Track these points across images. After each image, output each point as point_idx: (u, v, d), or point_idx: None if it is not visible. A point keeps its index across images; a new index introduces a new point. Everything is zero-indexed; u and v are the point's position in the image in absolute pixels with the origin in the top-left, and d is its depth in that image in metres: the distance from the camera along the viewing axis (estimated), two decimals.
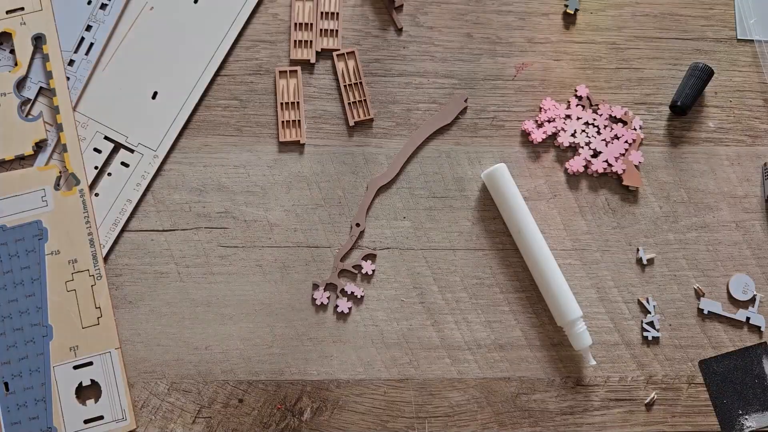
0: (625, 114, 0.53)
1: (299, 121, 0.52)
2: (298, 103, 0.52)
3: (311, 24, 0.54)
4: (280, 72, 0.53)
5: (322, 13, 0.54)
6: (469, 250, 0.51)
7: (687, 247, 0.52)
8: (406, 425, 0.49)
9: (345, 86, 0.53)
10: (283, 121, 0.52)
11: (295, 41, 0.53)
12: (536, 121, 0.53)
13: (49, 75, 0.51)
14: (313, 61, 0.53)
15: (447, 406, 0.49)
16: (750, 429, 0.49)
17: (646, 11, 0.56)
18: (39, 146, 0.51)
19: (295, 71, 0.53)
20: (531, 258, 0.50)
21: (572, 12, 0.55)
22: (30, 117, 0.51)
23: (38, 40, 0.52)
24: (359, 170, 0.52)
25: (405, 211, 0.52)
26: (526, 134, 0.53)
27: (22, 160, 0.51)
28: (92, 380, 0.48)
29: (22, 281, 0.48)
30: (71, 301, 0.49)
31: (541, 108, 0.53)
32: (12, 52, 0.52)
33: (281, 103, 0.52)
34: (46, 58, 0.51)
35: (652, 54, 0.55)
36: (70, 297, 0.49)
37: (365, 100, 0.53)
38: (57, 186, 0.50)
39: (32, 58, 0.51)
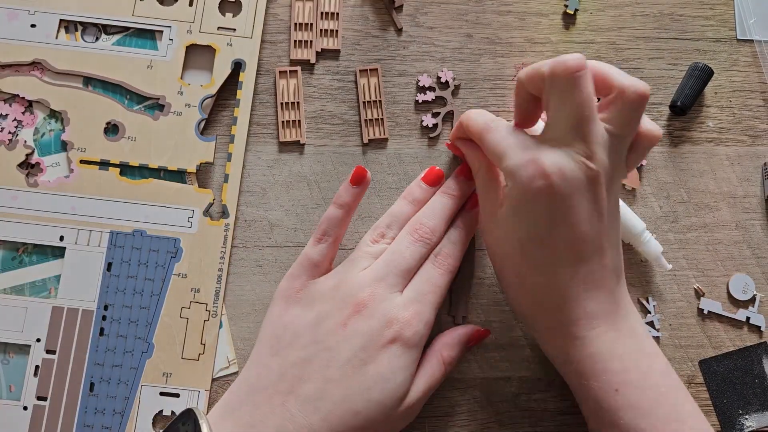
0: None
1: (299, 121, 0.52)
2: (298, 103, 0.52)
3: (311, 24, 0.54)
4: (280, 72, 0.53)
5: (322, 13, 0.54)
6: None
7: (687, 246, 0.52)
8: (406, 425, 0.49)
9: (363, 102, 0.52)
10: (283, 121, 0.52)
11: (295, 41, 0.53)
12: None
13: (236, 103, 0.51)
14: (313, 61, 0.53)
15: (447, 405, 0.49)
16: (750, 429, 0.50)
17: (646, 11, 0.56)
18: (203, 168, 0.50)
19: (296, 71, 0.53)
20: None
21: (572, 12, 0.55)
22: (206, 136, 0.51)
23: (237, 66, 0.52)
24: None
25: None
26: None
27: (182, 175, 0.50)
28: (173, 412, 0.47)
29: (142, 291, 0.48)
30: (180, 328, 0.48)
31: None
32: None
33: (281, 103, 0.52)
34: (239, 86, 0.51)
35: (651, 54, 0.55)
36: (181, 324, 0.48)
37: (383, 119, 0.52)
38: (206, 212, 0.49)
39: (225, 82, 0.51)
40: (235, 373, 0.48)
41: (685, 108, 0.53)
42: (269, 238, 0.51)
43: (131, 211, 0.49)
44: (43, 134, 0.51)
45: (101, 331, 0.47)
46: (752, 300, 0.51)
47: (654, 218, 0.52)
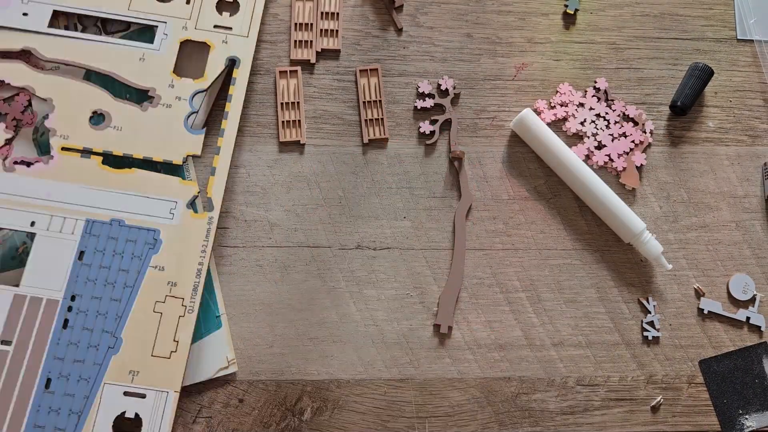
0: (639, 115, 0.53)
1: (299, 121, 0.52)
2: (298, 103, 0.52)
3: (311, 24, 0.54)
4: (280, 72, 0.53)
5: (322, 13, 0.54)
6: (470, 250, 0.51)
7: (687, 246, 0.52)
8: (407, 425, 0.49)
9: (364, 102, 0.52)
10: (283, 121, 0.52)
11: (295, 41, 0.53)
12: (549, 102, 0.53)
13: (228, 98, 0.50)
14: (313, 61, 0.53)
15: (447, 405, 0.49)
16: (750, 429, 0.49)
17: (646, 11, 0.56)
18: (189, 160, 0.50)
19: (296, 71, 0.53)
20: (584, 187, 0.51)
21: (572, 12, 0.55)
22: (195, 129, 0.50)
23: (232, 63, 0.51)
24: (359, 170, 0.52)
25: (405, 211, 0.52)
26: (537, 112, 0.53)
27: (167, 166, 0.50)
28: (136, 414, 0.44)
29: (115, 283, 0.45)
30: (153, 323, 0.45)
31: (557, 91, 0.53)
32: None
33: (281, 103, 0.52)
34: (232, 82, 0.51)
35: (652, 54, 0.55)
36: (154, 319, 0.45)
37: (383, 119, 0.52)
38: (190, 205, 0.48)
39: (218, 77, 0.51)
40: (234, 374, 0.48)
41: (686, 108, 0.53)
42: (269, 238, 0.50)
43: (110, 200, 0.47)
44: (43, 133, 0.50)
45: (65, 323, 0.44)
46: (752, 300, 0.51)
47: (654, 218, 0.52)
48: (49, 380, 0.43)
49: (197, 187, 0.49)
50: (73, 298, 0.45)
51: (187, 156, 0.49)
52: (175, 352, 0.45)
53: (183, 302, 0.46)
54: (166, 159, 0.49)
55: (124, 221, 0.47)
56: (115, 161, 0.49)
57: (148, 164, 0.49)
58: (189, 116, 0.50)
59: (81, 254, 0.46)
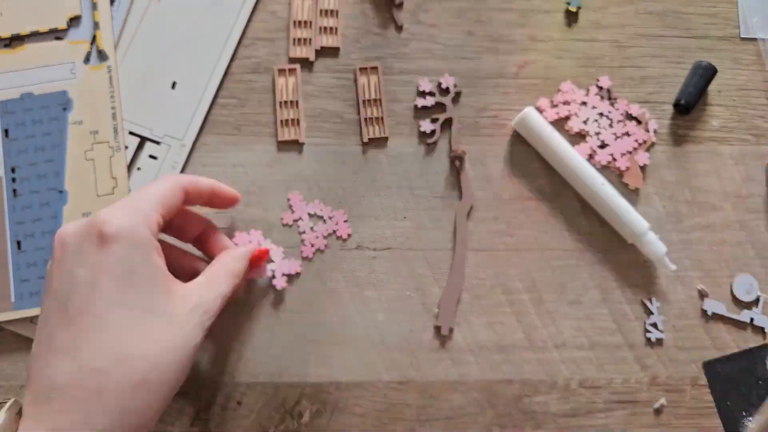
0: (642, 114, 0.53)
1: (298, 119, 0.52)
2: (297, 101, 0.52)
3: (310, 22, 0.53)
4: (278, 70, 0.52)
5: (321, 10, 0.53)
6: (470, 250, 0.51)
7: (691, 247, 0.52)
8: (407, 428, 0.48)
9: (363, 101, 0.52)
10: (281, 120, 0.51)
11: (294, 39, 0.53)
12: (551, 101, 0.53)
13: None
14: (312, 59, 0.52)
15: (448, 408, 0.49)
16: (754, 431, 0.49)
17: (649, 9, 0.55)
18: (72, 22, 0.52)
19: (294, 69, 0.52)
20: (586, 186, 0.50)
21: (574, 9, 0.54)
22: None
23: None
24: (359, 170, 0.51)
25: (405, 211, 0.51)
26: (539, 111, 0.52)
27: (55, 33, 0.52)
28: None
29: (44, 147, 0.50)
30: (89, 169, 0.50)
31: (559, 90, 0.53)
32: None
33: (280, 102, 0.52)
34: None
35: (655, 52, 0.54)
36: (88, 166, 0.50)
37: (383, 118, 0.52)
38: (86, 60, 0.52)
39: None
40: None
41: (689, 107, 0.53)
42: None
43: (15, 79, 0.51)
44: None
45: (14, 193, 0.50)
46: (756, 301, 0.51)
47: (657, 218, 0.52)
48: (19, 242, 0.49)
49: (88, 43, 0.52)
50: (13, 170, 0.50)
51: (70, 18, 0.52)
52: (117, 187, 0.50)
53: (109, 144, 0.51)
54: (52, 27, 0.52)
55: (32, 93, 0.51)
56: (7, 43, 0.52)
57: (37, 36, 0.52)
58: None
59: (6, 132, 0.51)
